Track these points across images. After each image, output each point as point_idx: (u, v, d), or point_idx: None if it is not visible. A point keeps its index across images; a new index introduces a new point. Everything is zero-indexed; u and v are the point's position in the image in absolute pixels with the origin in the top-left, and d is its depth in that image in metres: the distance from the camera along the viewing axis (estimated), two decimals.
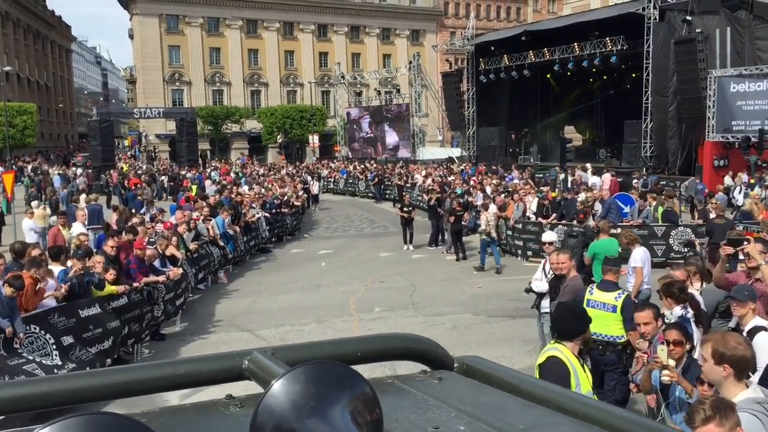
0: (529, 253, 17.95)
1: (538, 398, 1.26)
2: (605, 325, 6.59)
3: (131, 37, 69.38)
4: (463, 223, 18.80)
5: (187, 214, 14.80)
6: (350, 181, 40.22)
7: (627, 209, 17.77)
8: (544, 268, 8.18)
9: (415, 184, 33.03)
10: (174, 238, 12.65)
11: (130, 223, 13.10)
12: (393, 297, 14.33)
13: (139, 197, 22.89)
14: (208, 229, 15.73)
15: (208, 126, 63.66)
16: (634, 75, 38.88)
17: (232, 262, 17.36)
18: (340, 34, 73.49)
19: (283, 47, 71.28)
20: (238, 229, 17.73)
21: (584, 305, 6.24)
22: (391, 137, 52.88)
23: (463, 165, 42.12)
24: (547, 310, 7.92)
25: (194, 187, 26.56)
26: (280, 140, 64.91)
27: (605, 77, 43.29)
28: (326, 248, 21.44)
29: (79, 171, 42.62)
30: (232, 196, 20.94)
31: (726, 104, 29.10)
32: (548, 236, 8.14)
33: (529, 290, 8.32)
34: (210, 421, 1.16)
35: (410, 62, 52.34)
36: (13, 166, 42.18)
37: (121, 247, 10.79)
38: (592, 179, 25.74)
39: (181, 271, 11.69)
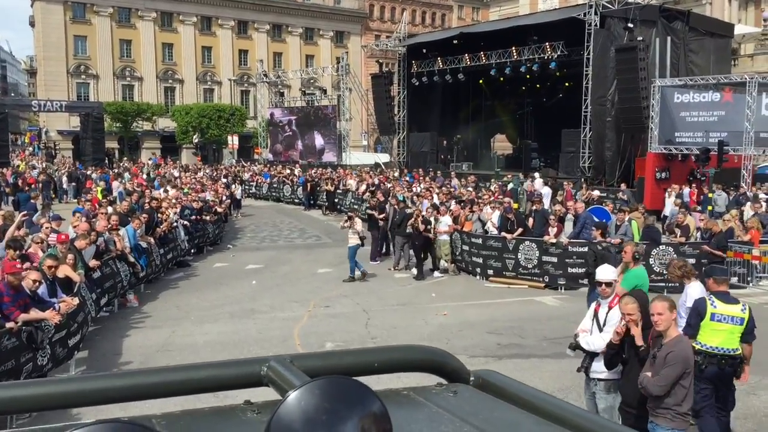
0: (490, 272, 15.97)
1: (554, 417, 1.25)
2: (731, 339, 6.29)
3: (32, 24, 63.69)
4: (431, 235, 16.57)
5: (83, 225, 11.82)
6: (275, 185, 37.39)
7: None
8: (596, 317, 6.00)
9: (347, 190, 30.69)
10: (70, 256, 9.79)
11: (12, 234, 10.12)
12: (345, 327, 11.94)
13: (33, 200, 19.45)
14: (115, 241, 12.83)
15: (117, 123, 59.10)
16: (568, 84, 38.08)
17: (144, 280, 14.46)
18: (261, 31, 70.22)
19: (201, 42, 67.38)
20: (152, 240, 14.82)
21: (708, 319, 6.25)
22: (317, 140, 50.28)
23: (393, 171, 40.07)
24: (604, 377, 5.80)
25: (99, 189, 23.18)
26: (196, 140, 60.99)
27: (538, 85, 42.34)
28: (255, 262, 18.76)
29: None
30: (146, 201, 17.94)
31: (669, 115, 28.31)
32: (607, 274, 5.91)
33: (575, 347, 6.08)
34: (228, 425, 1.18)
35: (338, 61, 49.96)
36: None
37: None
38: (544, 189, 24.17)
39: (76, 300, 8.85)
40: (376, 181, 30.17)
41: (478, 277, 16.33)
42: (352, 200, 29.65)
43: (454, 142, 45.34)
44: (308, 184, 33.30)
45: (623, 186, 27.95)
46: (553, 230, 14.84)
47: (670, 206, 21.55)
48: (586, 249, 14.01)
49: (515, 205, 18.47)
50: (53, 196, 31.51)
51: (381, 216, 19.01)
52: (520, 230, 15.58)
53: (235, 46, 69.21)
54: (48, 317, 7.76)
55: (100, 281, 11.59)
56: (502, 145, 53.12)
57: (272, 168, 43.38)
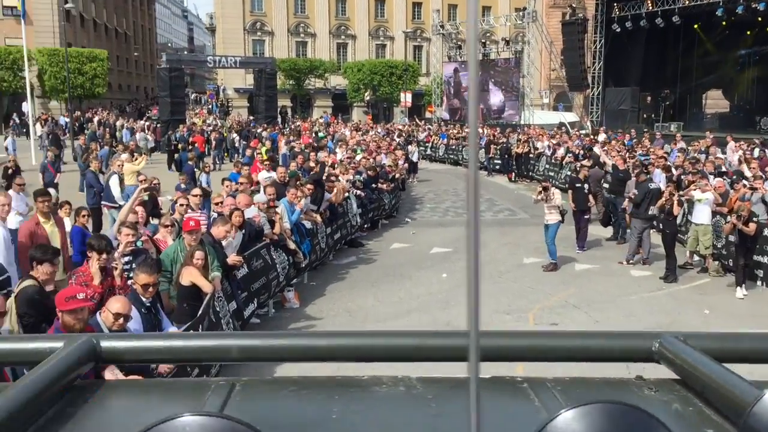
0: None
1: None
2: None
3: None
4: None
5: (229, 200, 8.63)
6: (452, 146, 33.54)
7: None
8: None
9: (540, 154, 26.13)
10: (199, 254, 6.53)
11: (125, 217, 7.08)
12: None
13: (189, 161, 17.09)
14: (272, 221, 9.61)
15: (290, 81, 58.19)
16: None
17: (306, 269, 11.24)
18: None
19: None
20: (319, 218, 11.53)
21: None
22: (496, 97, 45.63)
23: (583, 132, 34.57)
24: None
25: (264, 149, 20.56)
26: (368, 98, 58.66)
27: None
28: (440, 243, 15.09)
29: (141, 124, 37.57)
30: (312, 164, 14.84)
31: None
32: None
33: None
34: (627, 398, 1.07)
35: (524, 8, 44.46)
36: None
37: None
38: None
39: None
40: (577, 144, 25.28)
41: (762, 284, 11.43)
42: (546, 166, 25.13)
43: (661, 99, 38.73)
44: (491, 146, 29.09)
45: None
46: None
47: None
48: None
49: None
50: (225, 155, 29.95)
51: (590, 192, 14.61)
52: None
53: None
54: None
55: (248, 280, 8.40)
56: (715, 102, 45.29)
57: (449, 127, 39.51)
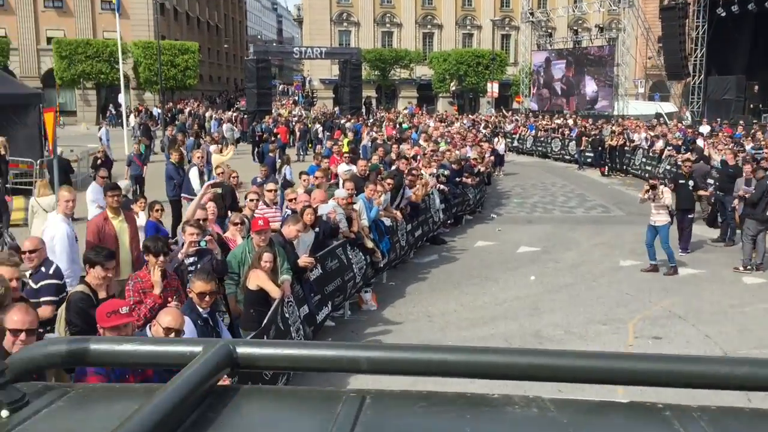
0: None
1: None
2: None
3: None
4: None
5: (303, 196, 8.14)
6: (541, 138, 32.21)
7: None
8: None
9: (636, 147, 24.59)
10: (267, 255, 6.05)
11: (192, 213, 6.70)
12: None
13: (270, 153, 16.84)
14: (350, 218, 9.08)
15: (375, 71, 57.92)
16: None
17: (385, 269, 10.67)
18: None
19: None
20: (399, 216, 10.92)
21: None
22: (589, 87, 43.65)
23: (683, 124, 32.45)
24: None
25: (346, 140, 20.14)
26: (453, 88, 57.61)
27: None
28: (527, 242, 14.20)
29: (228, 115, 38.07)
30: (393, 157, 14.24)
31: None
32: None
33: None
34: None
35: None
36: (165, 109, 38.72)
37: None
38: None
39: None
40: (677, 137, 23.60)
41: None
42: (643, 160, 23.62)
43: None
44: (582, 138, 27.65)
45: None
46: None
47: None
48: None
49: None
50: (309, 146, 29.83)
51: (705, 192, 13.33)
52: None
53: None
54: None
55: (322, 282, 7.89)
56: None
57: (538, 118, 38.06)
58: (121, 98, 47.68)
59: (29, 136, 17.97)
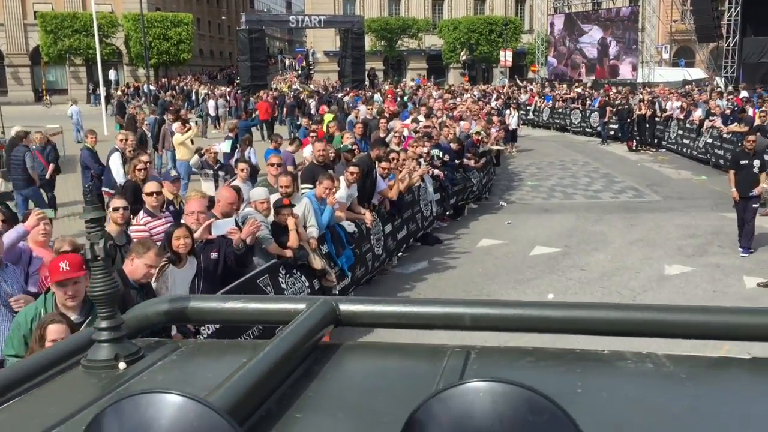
0: None
1: None
2: None
3: None
4: None
5: (186, 210, 5.36)
6: (559, 110, 29.08)
7: None
8: None
9: (669, 117, 21.48)
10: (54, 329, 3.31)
11: None
12: None
13: (231, 132, 14.04)
14: (281, 227, 6.27)
15: (381, 42, 54.62)
16: None
17: (350, 291, 7.83)
18: None
19: None
20: (369, 216, 8.08)
21: None
22: (610, 53, 40.26)
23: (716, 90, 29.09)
24: None
25: (329, 117, 17.24)
26: (464, 58, 54.18)
27: None
28: (543, 240, 11.32)
29: (221, 90, 35.25)
30: (381, 134, 11.36)
31: None
32: None
33: None
34: None
35: None
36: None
37: None
38: None
39: None
40: (721, 105, 20.45)
41: None
42: (679, 132, 20.54)
43: None
44: (606, 108, 24.53)
45: None
46: None
47: None
48: None
49: None
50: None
51: None
52: None
53: None
54: None
55: (233, 333, 5.11)
56: None
57: (555, 88, 34.83)
58: (112, 75, 45.12)
59: None
